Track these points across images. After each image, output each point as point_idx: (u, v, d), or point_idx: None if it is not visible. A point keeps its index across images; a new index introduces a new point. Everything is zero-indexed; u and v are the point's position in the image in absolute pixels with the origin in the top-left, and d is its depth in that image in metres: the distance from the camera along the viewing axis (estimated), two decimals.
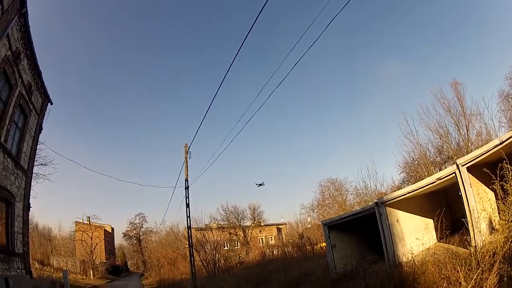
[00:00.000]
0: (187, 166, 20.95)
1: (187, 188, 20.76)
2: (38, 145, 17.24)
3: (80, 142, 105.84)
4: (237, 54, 10.14)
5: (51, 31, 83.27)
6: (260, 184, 28.15)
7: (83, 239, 42.50)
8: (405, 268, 7.84)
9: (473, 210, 7.49)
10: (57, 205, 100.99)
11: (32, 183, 16.57)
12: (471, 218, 7.44)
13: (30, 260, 16.07)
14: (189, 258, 21.24)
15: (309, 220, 37.43)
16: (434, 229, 9.63)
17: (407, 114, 30.95)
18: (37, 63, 14.25)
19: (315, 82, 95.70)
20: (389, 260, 9.50)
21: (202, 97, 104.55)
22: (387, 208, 10.08)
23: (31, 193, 15.96)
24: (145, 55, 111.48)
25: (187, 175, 20.92)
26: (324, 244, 19.46)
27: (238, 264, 30.72)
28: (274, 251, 33.44)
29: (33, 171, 17.25)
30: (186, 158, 20.89)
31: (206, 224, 38.33)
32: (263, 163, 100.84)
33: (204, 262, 24.24)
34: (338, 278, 10.78)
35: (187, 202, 20.62)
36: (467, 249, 7.04)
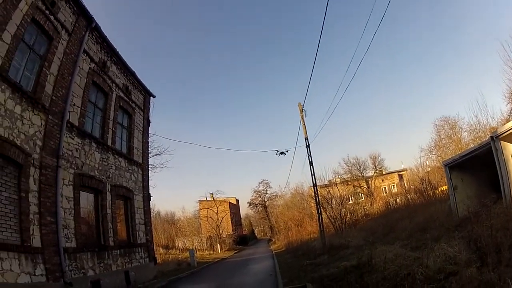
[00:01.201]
0: (304, 124, 20.89)
1: (308, 146, 20.58)
2: (149, 138, 17.98)
3: (194, 123, 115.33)
4: None
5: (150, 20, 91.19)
6: (282, 153, 26.27)
7: (208, 216, 43.26)
8: None
9: None
10: (179, 189, 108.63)
11: (149, 174, 17.34)
12: None
13: (154, 247, 17.15)
14: (316, 217, 21.52)
15: (427, 163, 36.02)
16: None
17: (503, 39, 26.56)
18: (127, 65, 14.57)
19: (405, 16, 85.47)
20: (506, 199, 9.23)
21: (307, 53, 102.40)
22: (502, 142, 9.70)
23: (150, 184, 16.81)
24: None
25: (306, 133, 20.83)
26: (444, 187, 19.62)
27: (364, 217, 30.07)
28: (398, 200, 31.74)
29: (149, 163, 17.99)
30: (302, 117, 20.86)
31: (329, 180, 38.04)
32: (376, 109, 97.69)
33: (331, 218, 24.25)
34: (461, 222, 10.46)
35: (310, 160, 20.43)
36: None
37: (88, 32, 11.25)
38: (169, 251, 31.68)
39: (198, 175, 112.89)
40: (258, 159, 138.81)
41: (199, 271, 19.31)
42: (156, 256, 16.87)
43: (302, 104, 20.99)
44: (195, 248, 31.98)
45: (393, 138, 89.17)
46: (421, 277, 5.60)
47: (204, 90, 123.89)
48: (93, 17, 11.30)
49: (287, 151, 27.46)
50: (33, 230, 7.86)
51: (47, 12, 9.26)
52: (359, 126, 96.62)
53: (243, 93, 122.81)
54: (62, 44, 10.01)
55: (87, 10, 11.02)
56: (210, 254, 33.37)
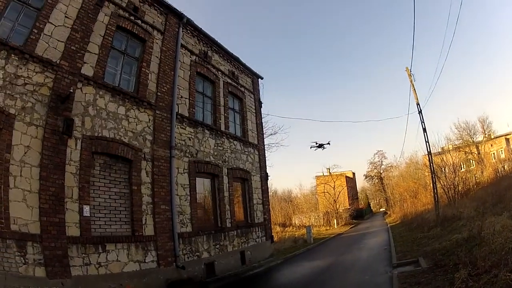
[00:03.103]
0: (414, 89, 19.29)
1: (420, 112, 18.90)
2: (263, 118, 17.42)
3: (304, 98, 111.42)
4: None
5: None
6: (320, 145, 20.52)
7: (325, 191, 40.82)
8: None
9: None
10: (296, 167, 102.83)
11: (266, 154, 16.80)
12: None
13: (271, 226, 16.66)
14: (430, 187, 21.12)
15: None
16: None
17: None
18: (229, 52, 14.03)
19: None
20: None
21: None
22: None
23: (266, 164, 16.25)
24: None
25: (417, 98, 19.26)
26: None
27: (475, 186, 26.75)
28: (505, 166, 29.13)
29: (265, 143, 17.40)
30: (411, 81, 19.25)
31: (442, 148, 33.17)
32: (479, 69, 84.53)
33: (444, 188, 22.46)
34: None
35: (424, 127, 18.83)
36: None
37: (181, 28, 11.01)
38: (286, 228, 31.42)
39: (314, 151, 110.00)
40: (371, 130, 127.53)
41: (315, 247, 18.50)
42: (273, 234, 16.38)
43: (410, 68, 19.31)
44: (312, 224, 31.00)
45: (499, 98, 75.84)
46: None
47: (310, 65, 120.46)
48: (182, 13, 10.99)
49: (328, 143, 23.41)
50: (145, 219, 7.98)
51: (132, 18, 9.26)
52: (466, 88, 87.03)
53: (349, 63, 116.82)
54: (157, 43, 9.99)
55: (173, 8, 10.75)
56: (326, 229, 31.77)
